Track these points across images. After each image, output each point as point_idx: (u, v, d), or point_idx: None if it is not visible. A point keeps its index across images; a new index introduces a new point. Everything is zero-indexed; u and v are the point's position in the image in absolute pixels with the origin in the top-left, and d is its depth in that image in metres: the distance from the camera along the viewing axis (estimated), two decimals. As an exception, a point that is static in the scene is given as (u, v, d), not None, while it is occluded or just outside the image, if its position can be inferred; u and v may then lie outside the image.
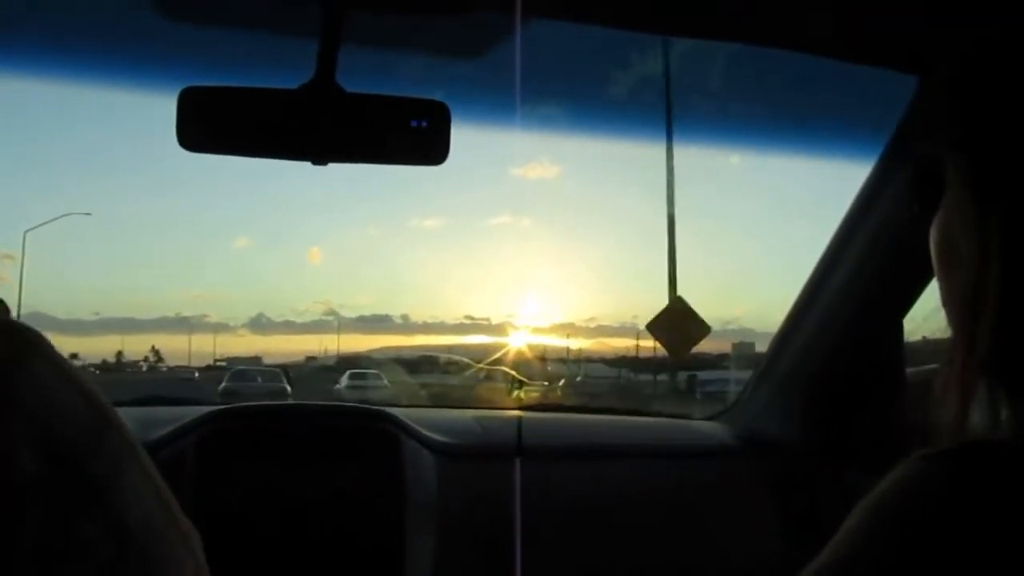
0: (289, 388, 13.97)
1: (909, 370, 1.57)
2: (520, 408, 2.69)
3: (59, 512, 0.43)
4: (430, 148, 1.07)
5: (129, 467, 0.48)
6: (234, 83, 1.05)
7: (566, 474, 1.55)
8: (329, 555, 1.37)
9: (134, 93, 1.27)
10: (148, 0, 1.07)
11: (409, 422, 1.51)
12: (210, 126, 1.05)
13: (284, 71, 1.08)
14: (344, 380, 16.97)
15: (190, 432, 1.41)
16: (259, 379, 15.22)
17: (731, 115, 1.57)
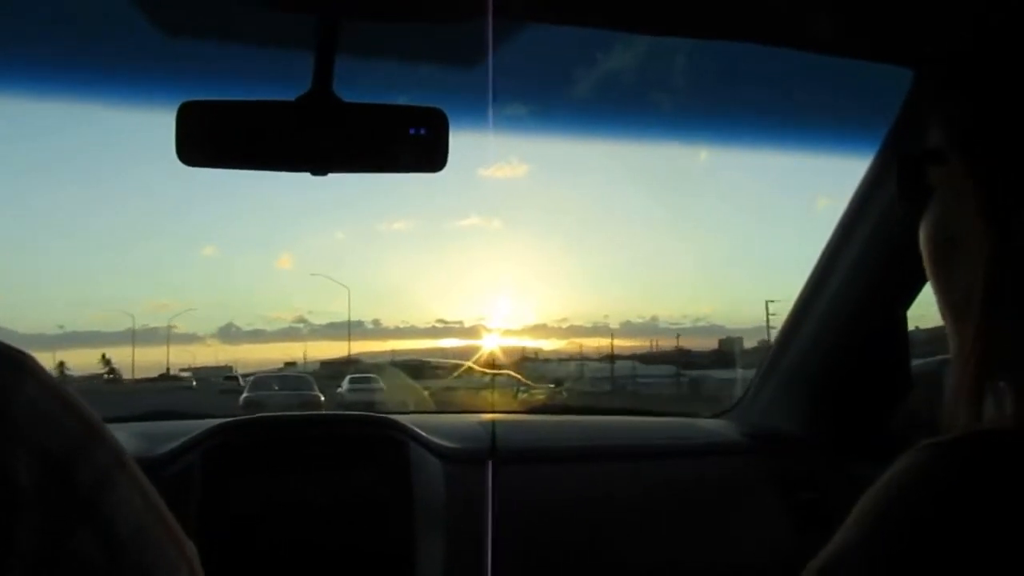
0: (322, 396, 12.63)
1: (914, 363, 1.58)
2: (530, 411, 2.69)
3: (52, 523, 0.45)
4: (429, 155, 1.07)
5: (119, 478, 0.50)
6: (232, 96, 1.05)
7: (575, 475, 1.55)
8: (339, 564, 1.37)
9: (133, 109, 1.27)
10: (146, 16, 1.07)
11: (415, 428, 1.51)
12: (209, 140, 1.05)
13: (281, 83, 1.08)
14: (345, 384, 16.99)
15: (197, 446, 1.42)
16: (285, 388, 13.65)
17: (721, 112, 1.57)
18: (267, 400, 11.77)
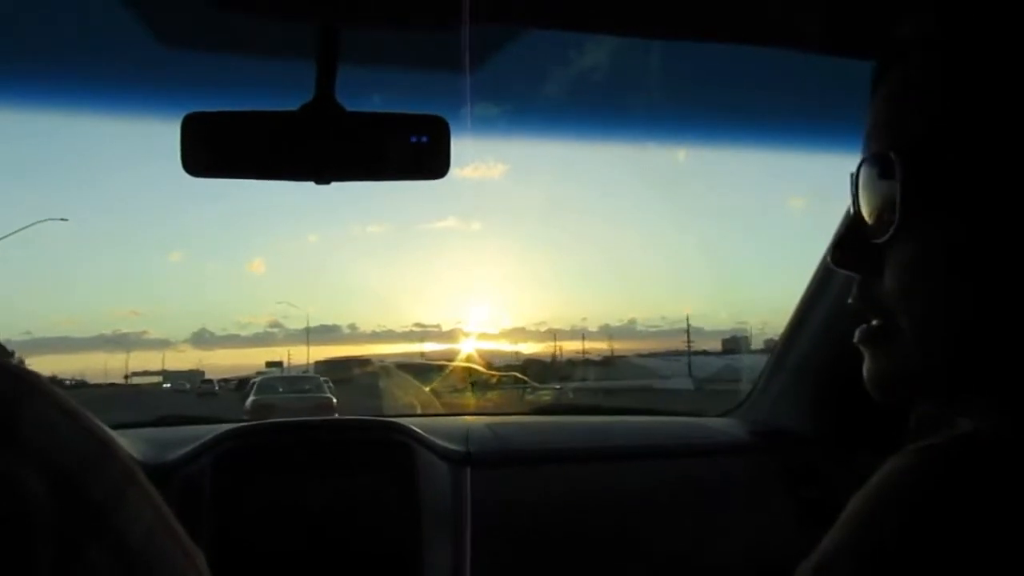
0: (335, 400, 12.05)
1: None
2: (540, 412, 2.69)
3: (66, 538, 0.45)
4: (431, 163, 1.08)
5: (130, 491, 0.50)
6: (236, 107, 1.06)
7: (582, 476, 1.55)
8: (348, 568, 1.37)
9: (138, 122, 1.28)
10: (148, 29, 1.08)
11: (420, 431, 1.52)
12: (214, 150, 1.06)
13: (284, 92, 1.09)
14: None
15: (207, 451, 1.43)
16: (293, 390, 12.93)
17: (704, 110, 1.56)
18: (278, 403, 11.03)
